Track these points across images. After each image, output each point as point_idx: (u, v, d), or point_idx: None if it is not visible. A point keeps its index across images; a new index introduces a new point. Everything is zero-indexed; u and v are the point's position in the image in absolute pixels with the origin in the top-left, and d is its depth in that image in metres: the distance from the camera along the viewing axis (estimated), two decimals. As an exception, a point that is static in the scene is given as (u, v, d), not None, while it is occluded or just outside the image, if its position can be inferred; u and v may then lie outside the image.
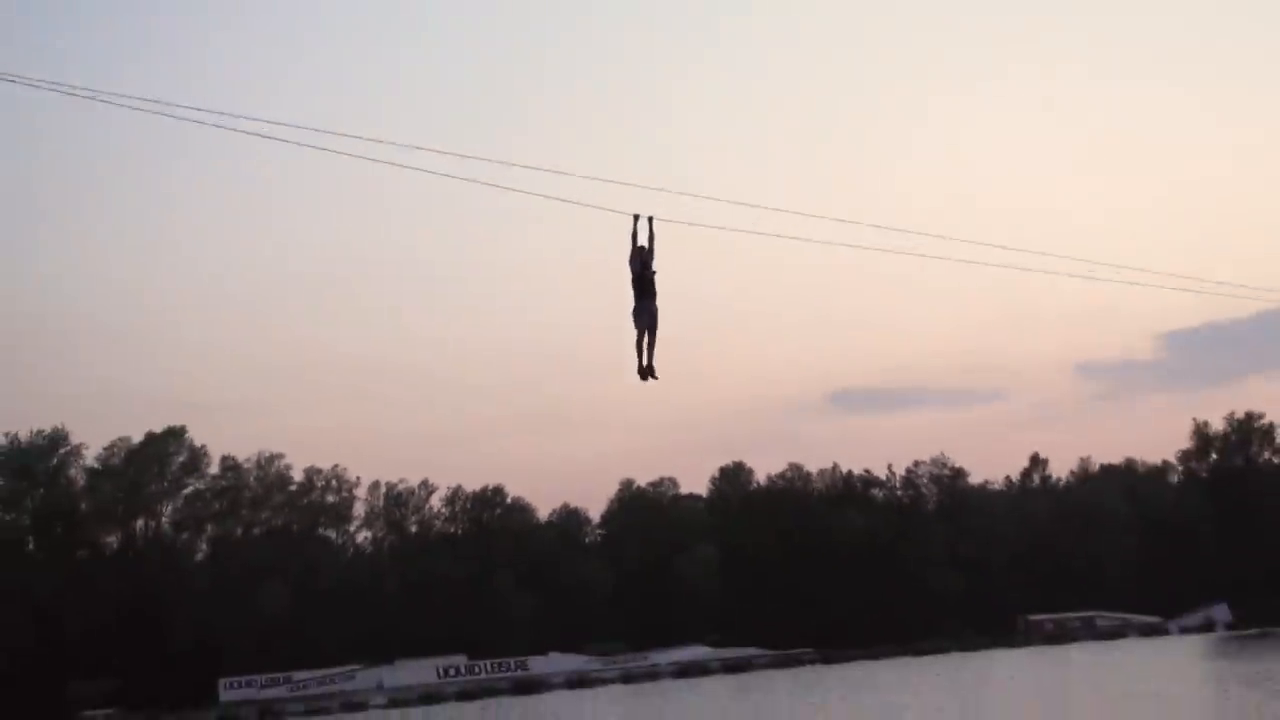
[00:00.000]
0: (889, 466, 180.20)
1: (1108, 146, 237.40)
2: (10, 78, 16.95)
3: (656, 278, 23.26)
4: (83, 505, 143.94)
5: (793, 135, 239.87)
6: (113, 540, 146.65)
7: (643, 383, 23.80)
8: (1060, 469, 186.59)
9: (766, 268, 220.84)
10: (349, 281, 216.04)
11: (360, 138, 21.88)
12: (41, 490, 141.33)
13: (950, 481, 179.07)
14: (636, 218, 22.98)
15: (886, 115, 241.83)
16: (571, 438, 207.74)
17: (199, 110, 19.36)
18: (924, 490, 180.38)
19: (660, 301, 23.41)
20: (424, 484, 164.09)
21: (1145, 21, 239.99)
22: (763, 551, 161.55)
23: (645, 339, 23.44)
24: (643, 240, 23.11)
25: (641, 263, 23.11)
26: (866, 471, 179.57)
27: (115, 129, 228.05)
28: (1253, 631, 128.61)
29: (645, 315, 23.22)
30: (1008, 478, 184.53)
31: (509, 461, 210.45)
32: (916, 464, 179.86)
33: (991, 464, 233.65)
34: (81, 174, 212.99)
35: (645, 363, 23.49)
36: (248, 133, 20.43)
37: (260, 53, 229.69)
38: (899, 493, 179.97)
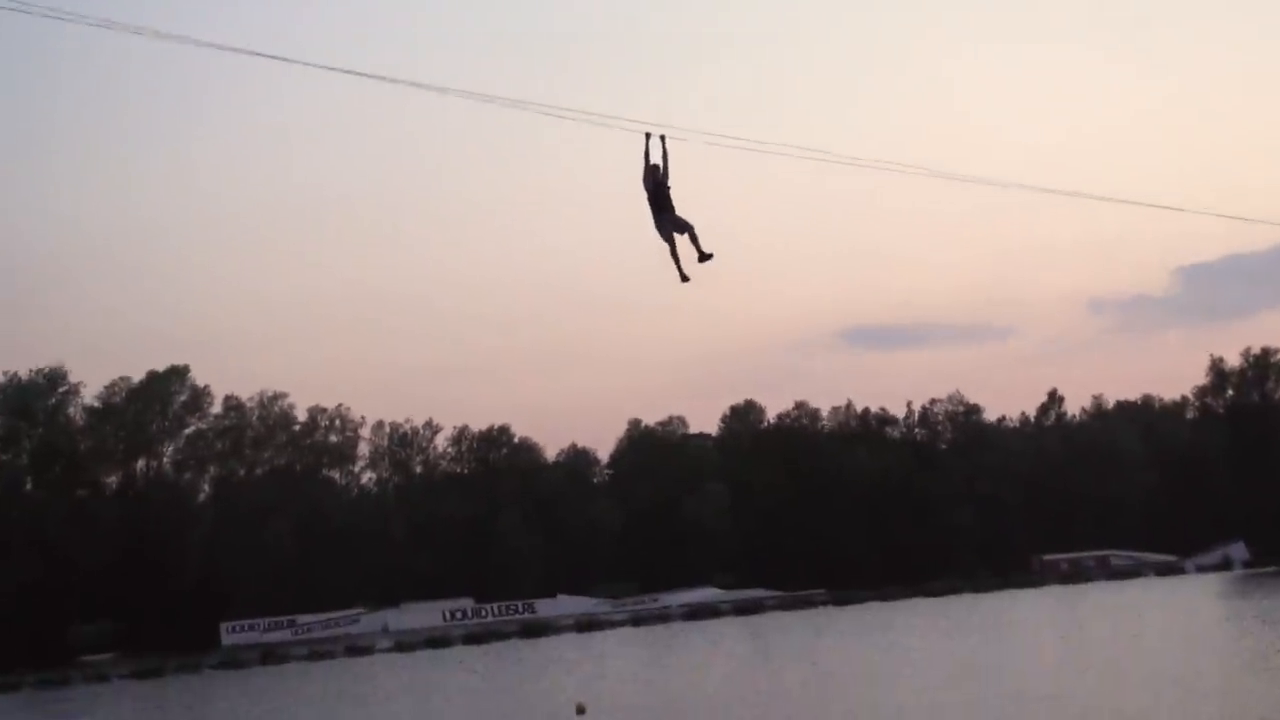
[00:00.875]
0: (908, 404, 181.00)
1: (1125, 74, 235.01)
2: (15, 7, 16.38)
3: (672, 192, 23.16)
4: (82, 445, 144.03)
5: (803, 62, 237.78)
6: (113, 480, 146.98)
7: (685, 283, 23.71)
8: (1075, 406, 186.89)
9: (775, 201, 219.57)
10: (352, 214, 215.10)
11: (358, 74, 21.24)
12: (40, 429, 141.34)
13: (965, 419, 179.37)
14: (649, 136, 22.94)
15: (899, 42, 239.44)
16: (579, 376, 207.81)
17: (200, 40, 18.53)
18: (939, 428, 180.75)
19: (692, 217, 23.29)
20: (429, 424, 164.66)
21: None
22: (773, 491, 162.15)
23: (677, 246, 23.34)
24: (655, 160, 23.06)
25: (654, 180, 23.10)
26: (882, 410, 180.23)
27: (121, 58, 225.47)
28: (1270, 569, 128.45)
29: (668, 226, 23.17)
30: (1023, 414, 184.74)
31: (516, 400, 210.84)
32: (933, 402, 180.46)
33: (1005, 401, 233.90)
34: (86, 105, 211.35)
35: (697, 251, 23.28)
36: (250, 53, 19.65)
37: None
38: (915, 431, 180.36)
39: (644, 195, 23.26)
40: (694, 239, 23.32)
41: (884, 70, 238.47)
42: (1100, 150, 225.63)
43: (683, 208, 23.13)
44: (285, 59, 20.93)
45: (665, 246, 23.37)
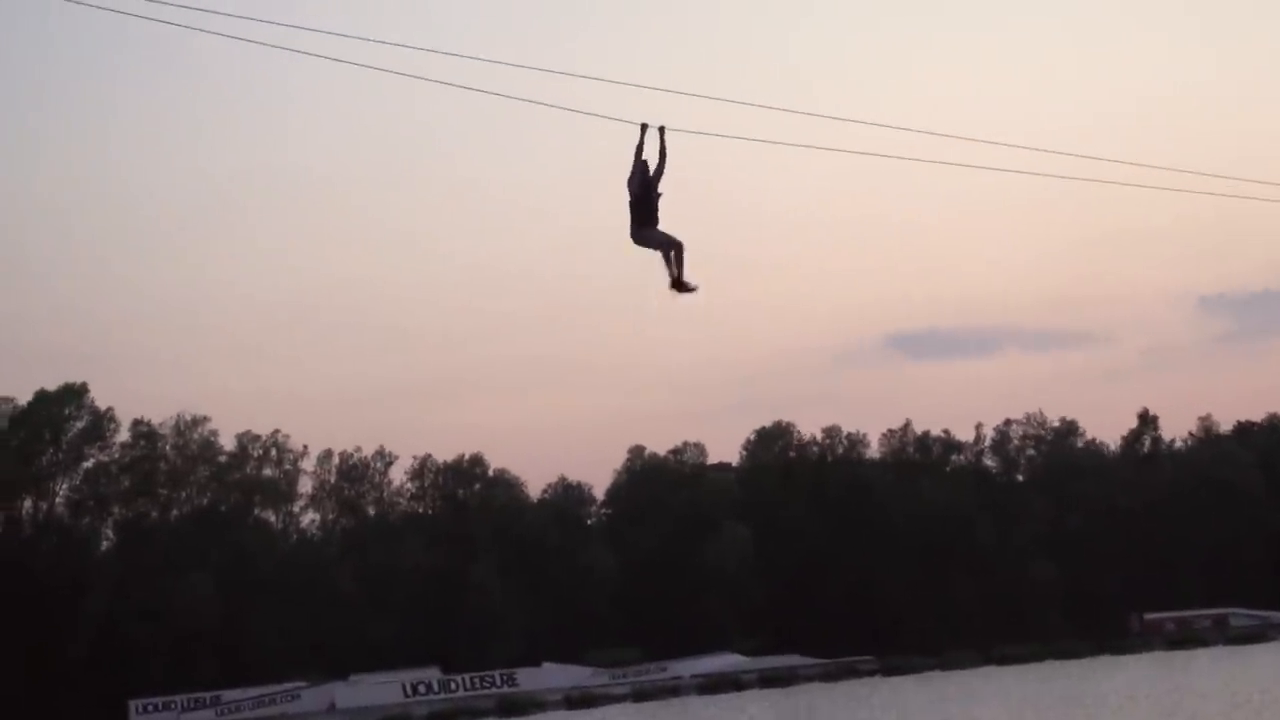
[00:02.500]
0: (976, 427, 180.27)
1: (1233, 30, 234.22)
2: None
3: (661, 201, 23.28)
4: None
5: (841, 28, 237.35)
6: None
7: (675, 293, 24.01)
8: (1177, 429, 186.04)
9: (806, 188, 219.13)
10: (287, 203, 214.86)
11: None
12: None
13: (1049, 445, 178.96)
14: (644, 128, 22.83)
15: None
16: (568, 394, 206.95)
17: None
18: (1014, 456, 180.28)
19: (674, 227, 23.62)
20: (382, 453, 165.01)
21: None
22: (808, 534, 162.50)
23: (668, 254, 23.57)
24: (649, 154, 23.16)
25: (642, 182, 23.04)
26: (945, 433, 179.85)
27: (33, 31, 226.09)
28: None
29: (649, 240, 23.35)
30: (1124, 439, 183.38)
31: (490, 424, 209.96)
32: (1008, 423, 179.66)
33: (1093, 423, 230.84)
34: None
35: (675, 274, 23.63)
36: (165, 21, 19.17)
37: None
38: (985, 460, 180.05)
39: (625, 198, 23.36)
40: (678, 260, 23.51)
41: (936, 33, 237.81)
42: (1208, 118, 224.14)
43: (672, 222, 23.28)
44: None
45: (651, 253, 23.69)
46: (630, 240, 23.46)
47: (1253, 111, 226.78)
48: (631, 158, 23.22)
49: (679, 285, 23.56)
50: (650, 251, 23.58)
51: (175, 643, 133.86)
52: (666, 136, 22.97)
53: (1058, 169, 31.30)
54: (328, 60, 22.23)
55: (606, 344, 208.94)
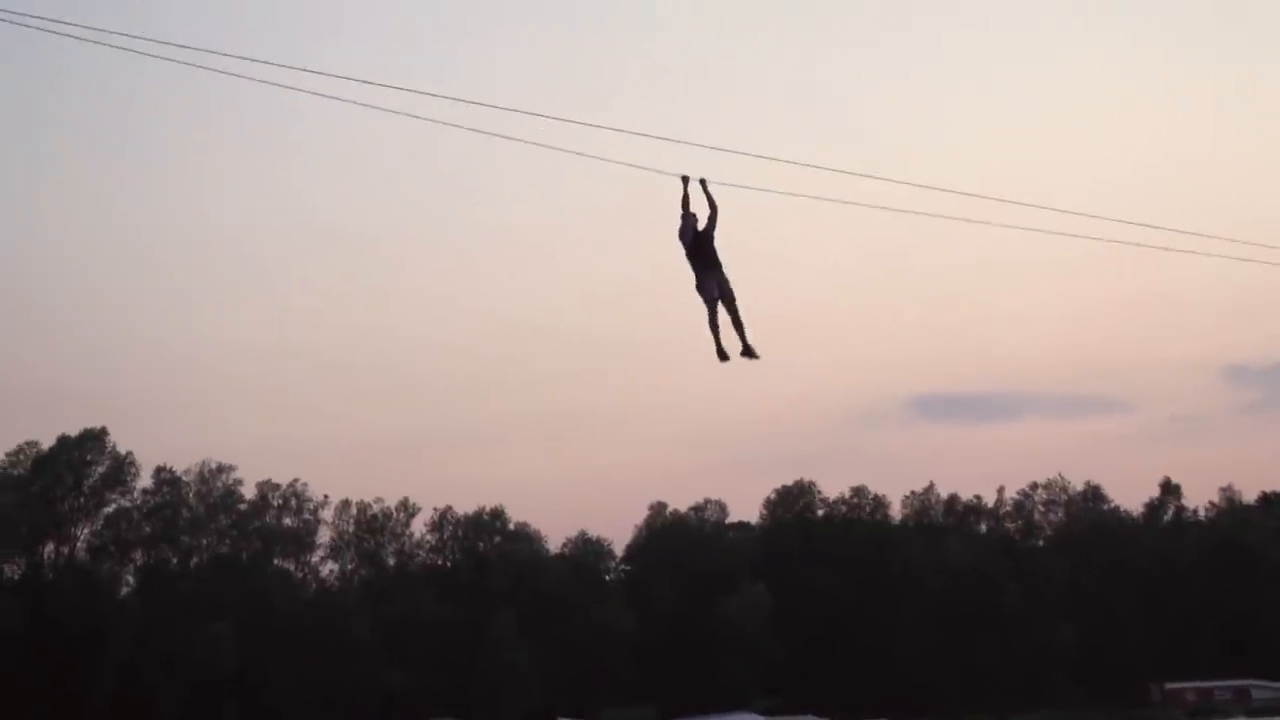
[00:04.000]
0: (999, 490, 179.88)
1: (1265, 97, 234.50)
2: None
3: (716, 243, 23.71)
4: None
5: (864, 88, 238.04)
6: (14, 570, 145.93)
7: (724, 363, 24.52)
8: (1199, 498, 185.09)
9: (833, 247, 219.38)
10: (310, 255, 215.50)
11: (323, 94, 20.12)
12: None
13: (1075, 509, 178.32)
14: (686, 180, 23.24)
15: (981, 58, 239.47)
16: (590, 449, 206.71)
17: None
18: (1036, 519, 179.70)
19: (729, 271, 24.12)
20: (404, 504, 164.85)
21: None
22: (829, 595, 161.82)
23: (720, 315, 24.05)
24: (695, 206, 23.69)
25: (693, 232, 23.53)
26: (976, 498, 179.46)
27: (37, 62, 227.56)
28: None
29: (712, 286, 23.75)
30: (1146, 506, 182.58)
31: (511, 478, 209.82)
32: (1033, 487, 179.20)
33: (1116, 491, 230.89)
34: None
35: (740, 344, 24.36)
36: (185, 63, 19.83)
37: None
38: (1006, 524, 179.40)
39: (681, 247, 23.95)
40: (738, 323, 24.23)
41: (967, 91, 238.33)
42: (1240, 183, 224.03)
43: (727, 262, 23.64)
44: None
45: (705, 313, 24.14)
46: (696, 291, 23.92)
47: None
48: (680, 211, 23.64)
49: (745, 353, 24.23)
50: (703, 308, 23.95)
51: (194, 690, 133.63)
52: (710, 188, 23.23)
53: (1085, 230, 31.50)
54: (355, 108, 22.49)
55: (629, 399, 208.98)
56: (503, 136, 24.76)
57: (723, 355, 24.24)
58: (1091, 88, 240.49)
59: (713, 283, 23.67)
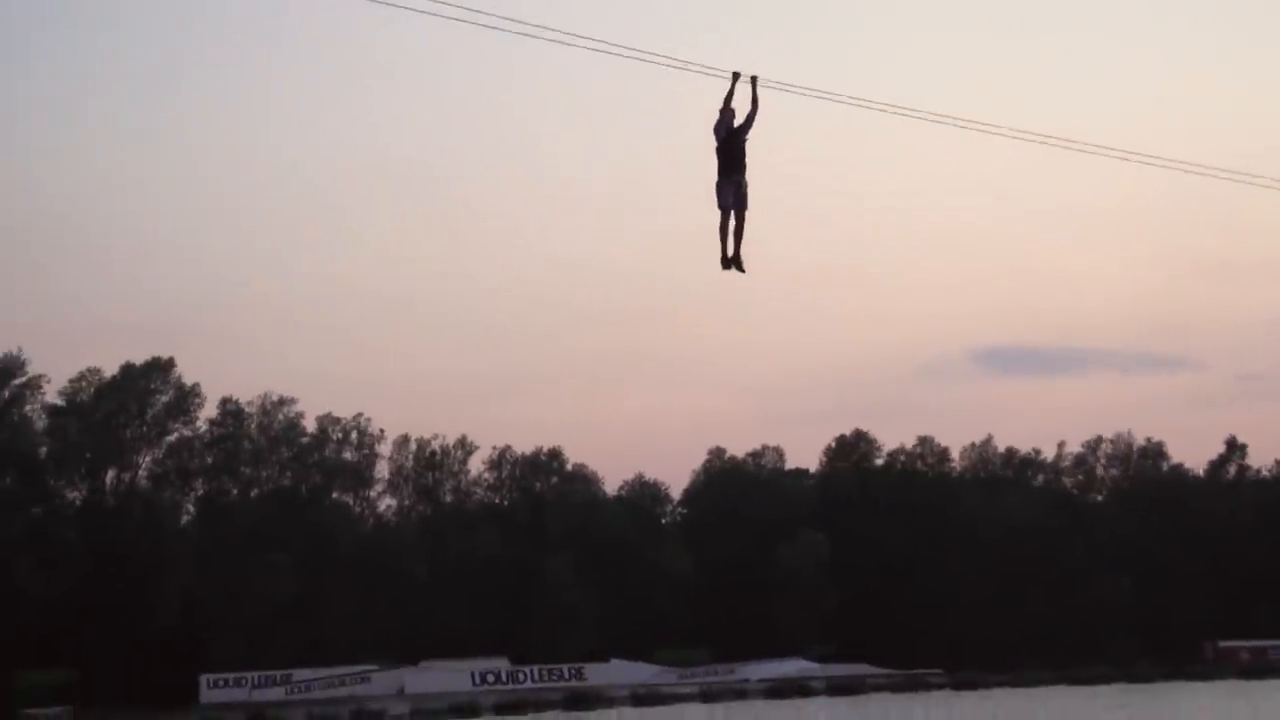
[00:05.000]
0: (1059, 445, 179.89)
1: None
2: None
3: (749, 146, 23.76)
4: (42, 450, 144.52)
5: (947, 26, 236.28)
6: (76, 496, 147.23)
7: (724, 272, 24.44)
8: (1264, 458, 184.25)
9: (898, 195, 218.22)
10: (375, 193, 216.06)
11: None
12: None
13: (1139, 465, 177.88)
14: (736, 76, 23.36)
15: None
16: (649, 391, 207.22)
17: None
18: (1097, 475, 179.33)
19: (755, 189, 24.14)
20: (463, 442, 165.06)
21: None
22: (885, 544, 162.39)
23: (731, 221, 24.02)
24: (736, 104, 23.62)
25: (727, 128, 23.57)
26: (1035, 450, 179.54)
27: (108, 12, 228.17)
28: None
29: (730, 191, 23.73)
30: (1209, 465, 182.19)
31: (570, 418, 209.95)
32: (1098, 440, 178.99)
33: (1181, 449, 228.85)
34: (56, 61, 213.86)
35: (733, 252, 24.12)
36: None
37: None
38: (1066, 479, 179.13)
39: (713, 146, 23.77)
40: (740, 231, 24.06)
41: (1042, 35, 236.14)
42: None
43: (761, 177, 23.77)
44: None
45: (719, 215, 23.95)
46: (715, 191, 23.77)
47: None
48: (721, 105, 23.64)
49: (733, 262, 24.05)
50: (718, 215, 23.84)
51: (250, 620, 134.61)
52: (759, 88, 23.36)
53: (1154, 179, 31.55)
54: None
55: (690, 344, 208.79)
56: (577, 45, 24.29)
57: (725, 263, 24.17)
58: (1164, 39, 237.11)
59: (731, 187, 23.64)
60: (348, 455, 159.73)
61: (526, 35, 23.63)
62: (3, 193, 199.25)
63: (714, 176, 23.70)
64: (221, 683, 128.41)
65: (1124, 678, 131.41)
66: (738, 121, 23.58)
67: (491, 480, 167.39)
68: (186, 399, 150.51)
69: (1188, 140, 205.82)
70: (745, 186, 23.66)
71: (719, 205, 23.75)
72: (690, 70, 23.37)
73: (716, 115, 23.56)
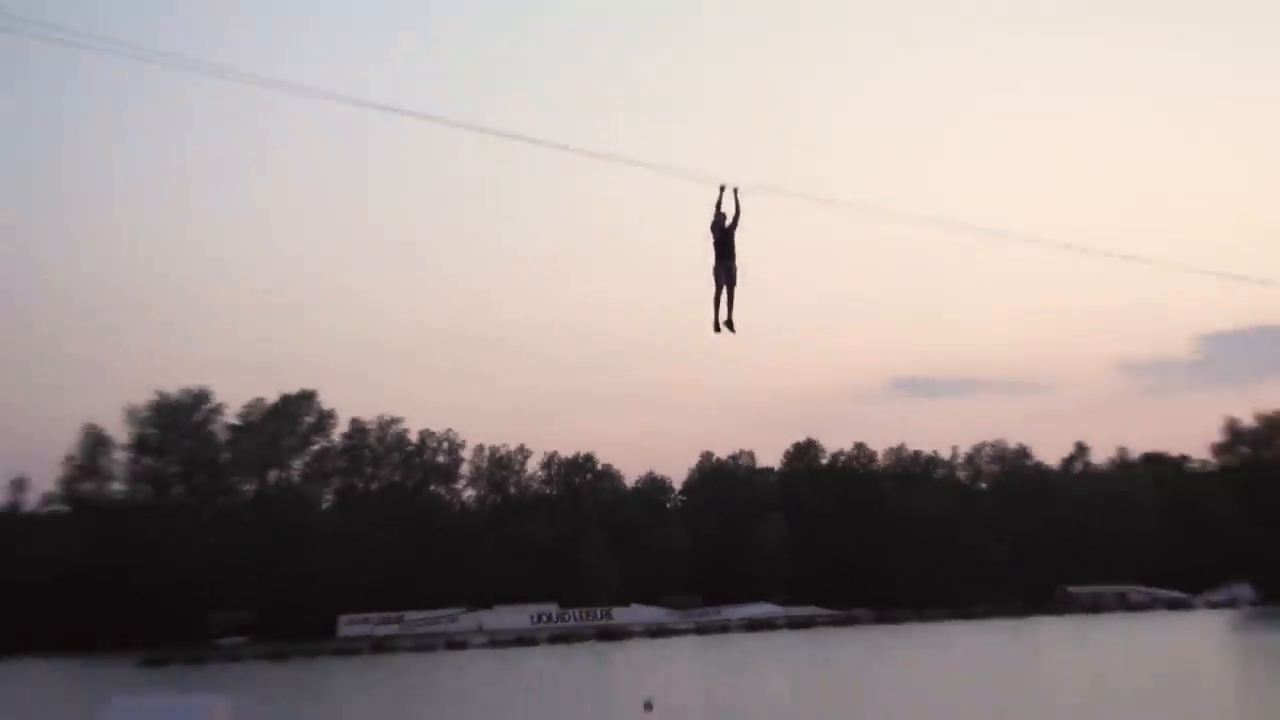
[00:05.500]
0: (953, 449, 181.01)
1: (1162, 159, 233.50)
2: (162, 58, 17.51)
3: (736, 236, 23.41)
4: (223, 457, 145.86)
5: (862, 133, 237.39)
6: (250, 489, 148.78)
7: (716, 334, 23.74)
8: (1100, 456, 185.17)
9: (834, 257, 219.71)
10: (459, 267, 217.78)
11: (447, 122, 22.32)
12: (188, 442, 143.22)
13: (1012, 462, 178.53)
14: (722, 188, 23.26)
15: (959, 108, 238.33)
16: (657, 411, 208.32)
17: (312, 89, 19.02)
18: (980, 471, 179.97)
19: (741, 275, 23.69)
20: (522, 449, 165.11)
21: (1170, 31, 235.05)
22: (829, 522, 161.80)
23: (723, 294, 23.56)
24: (726, 206, 23.32)
25: (721, 228, 23.26)
26: (935, 453, 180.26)
27: (250, 111, 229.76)
28: (1271, 608, 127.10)
29: (724, 272, 23.37)
30: (1063, 461, 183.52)
31: (600, 431, 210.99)
32: (979, 446, 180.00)
33: (1039, 450, 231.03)
34: (234, 160, 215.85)
35: (725, 317, 23.59)
36: (351, 102, 20.51)
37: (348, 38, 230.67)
38: (959, 473, 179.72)
39: (710, 239, 23.44)
40: (730, 302, 23.40)
41: (949, 134, 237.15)
42: (1144, 221, 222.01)
43: (742, 259, 23.43)
44: (418, 113, 21.66)
45: (713, 291, 23.46)
46: (711, 272, 23.27)
47: (1183, 219, 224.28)
48: (713, 210, 23.17)
49: (727, 325, 23.38)
50: (713, 288, 23.32)
51: (373, 577, 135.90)
52: (739, 196, 23.11)
53: (1020, 253, 32.66)
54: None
55: (686, 376, 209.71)
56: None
57: (717, 327, 23.49)
58: (1044, 144, 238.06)
59: (724, 270, 23.22)
60: (440, 459, 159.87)
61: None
62: (184, 260, 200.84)
63: (711, 261, 23.40)
64: (354, 621, 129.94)
65: (1001, 614, 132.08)
66: (728, 223, 23.33)
67: (543, 476, 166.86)
68: (325, 419, 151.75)
69: (1041, 219, 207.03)
70: (735, 269, 23.32)
71: (714, 282, 23.41)
72: (698, 181, 23.49)
73: (712, 216, 23.34)
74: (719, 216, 23.28)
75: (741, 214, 23.39)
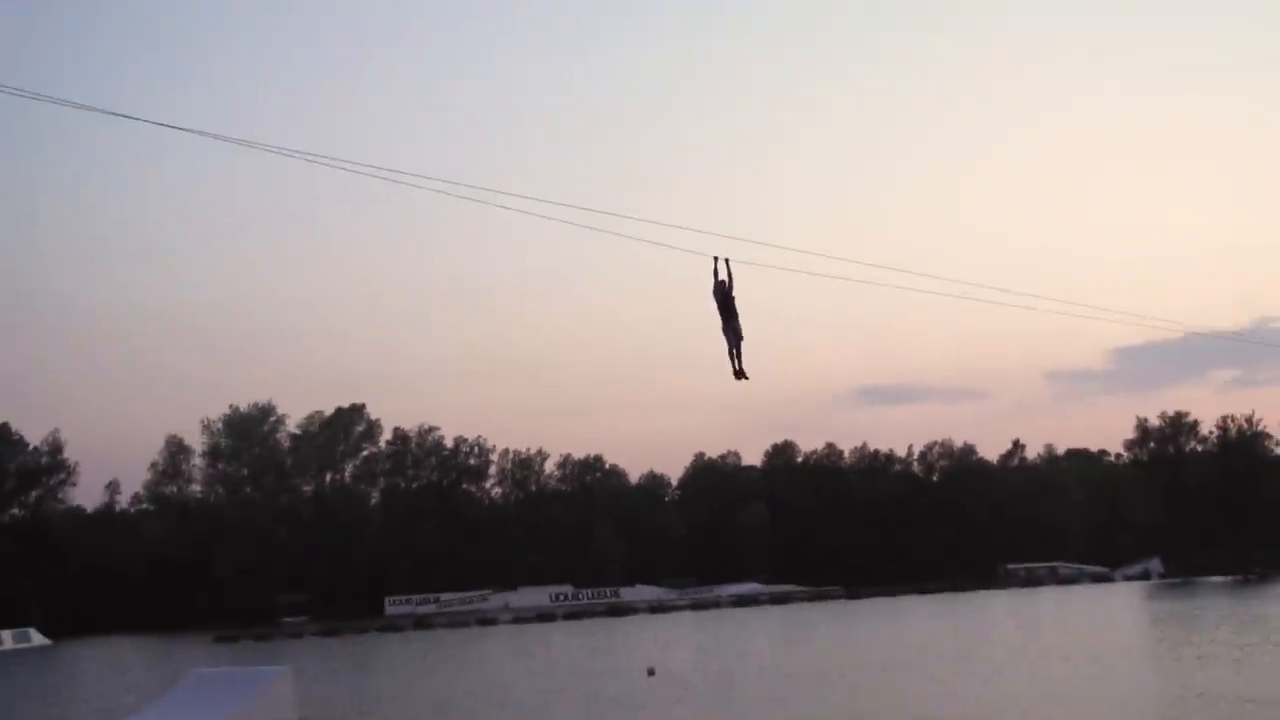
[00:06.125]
0: (909, 447, 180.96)
1: (1075, 200, 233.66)
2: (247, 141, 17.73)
3: (737, 302, 23.01)
4: (287, 461, 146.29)
5: (841, 194, 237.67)
6: (309, 488, 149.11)
7: (738, 382, 23.50)
8: (1032, 452, 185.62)
9: (808, 296, 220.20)
10: (485, 299, 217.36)
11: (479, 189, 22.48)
12: (256, 449, 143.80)
13: (958, 458, 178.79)
14: (716, 259, 22.88)
15: (888, 178, 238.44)
16: (657, 418, 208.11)
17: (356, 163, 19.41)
18: (932, 465, 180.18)
19: (746, 330, 23.17)
20: (540, 452, 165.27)
21: (1093, 105, 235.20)
22: (804, 511, 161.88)
23: (734, 349, 23.18)
24: (722, 275, 22.92)
25: (723, 294, 22.97)
26: (893, 451, 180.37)
27: (300, 178, 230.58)
28: (1178, 580, 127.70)
29: (731, 332, 23.01)
30: (1002, 456, 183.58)
31: (608, 435, 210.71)
32: (931, 445, 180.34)
33: (981, 447, 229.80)
34: (287, 228, 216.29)
35: (738, 367, 23.31)
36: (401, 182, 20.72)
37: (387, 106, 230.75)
38: (914, 467, 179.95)
39: (714, 304, 22.94)
40: (739, 354, 23.11)
41: (904, 192, 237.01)
42: (1065, 261, 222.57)
43: (741, 313, 22.84)
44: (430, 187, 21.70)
45: (726, 346, 23.03)
46: (721, 332, 22.84)
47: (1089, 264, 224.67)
48: (712, 278, 22.67)
49: (739, 375, 23.25)
50: (725, 346, 22.79)
51: (414, 564, 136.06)
52: (731, 264, 22.55)
53: (961, 291, 32.41)
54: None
55: (682, 387, 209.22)
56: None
57: (736, 376, 23.30)
58: (976, 198, 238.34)
59: (730, 329, 22.87)
60: (472, 461, 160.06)
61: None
62: (253, 294, 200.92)
63: (719, 322, 22.98)
64: (398, 601, 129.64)
65: (952, 588, 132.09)
66: (726, 287, 22.87)
67: (559, 475, 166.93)
68: (372, 429, 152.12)
69: (978, 260, 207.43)
70: (739, 327, 23.00)
71: (725, 340, 23.02)
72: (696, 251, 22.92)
73: (713, 282, 22.88)
74: (718, 283, 22.88)
75: (734, 279, 22.92)
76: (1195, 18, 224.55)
